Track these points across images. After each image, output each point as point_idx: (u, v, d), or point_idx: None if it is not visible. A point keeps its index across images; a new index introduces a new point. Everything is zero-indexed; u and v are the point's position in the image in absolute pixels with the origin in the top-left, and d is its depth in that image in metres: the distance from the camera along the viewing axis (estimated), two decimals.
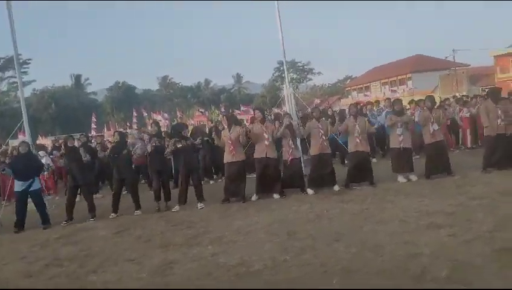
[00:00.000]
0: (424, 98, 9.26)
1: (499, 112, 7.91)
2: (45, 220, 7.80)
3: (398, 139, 8.00)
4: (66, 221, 7.76)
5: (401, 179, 8.00)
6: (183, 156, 7.86)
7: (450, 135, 11.75)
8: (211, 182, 10.81)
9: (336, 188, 7.89)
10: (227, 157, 7.91)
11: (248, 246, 5.20)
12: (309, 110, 8.53)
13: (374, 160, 11.08)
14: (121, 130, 18.79)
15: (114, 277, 4.72)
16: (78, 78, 72.47)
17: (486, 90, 15.26)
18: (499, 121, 7.88)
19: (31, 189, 7.75)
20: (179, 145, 7.82)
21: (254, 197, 7.88)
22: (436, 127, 8.03)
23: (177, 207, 7.84)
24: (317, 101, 33.95)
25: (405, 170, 8.06)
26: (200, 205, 7.82)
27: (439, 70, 41.37)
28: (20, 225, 7.63)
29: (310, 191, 7.87)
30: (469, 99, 13.07)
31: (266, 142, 7.80)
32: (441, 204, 6.03)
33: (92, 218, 7.87)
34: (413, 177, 8.01)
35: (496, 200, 5.98)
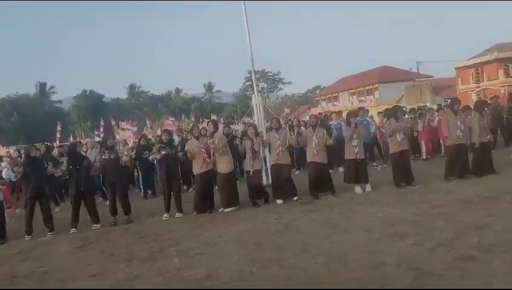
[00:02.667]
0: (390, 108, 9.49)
1: (458, 123, 8.21)
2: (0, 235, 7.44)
3: (353, 150, 8.12)
4: (27, 235, 7.43)
5: (357, 189, 8.10)
6: (165, 163, 7.77)
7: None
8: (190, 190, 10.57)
9: (295, 198, 7.90)
10: (201, 168, 7.81)
11: (215, 258, 5.13)
12: (271, 121, 8.49)
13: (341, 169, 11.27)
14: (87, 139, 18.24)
15: None
16: (43, 86, 70.42)
17: (448, 100, 15.81)
18: (458, 131, 8.17)
19: None
20: (163, 152, 7.69)
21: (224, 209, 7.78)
22: (402, 136, 8.23)
23: (166, 215, 7.73)
24: (287, 110, 34.25)
25: (361, 181, 8.16)
26: (178, 214, 7.72)
27: (404, 81, 42.64)
28: None
29: (278, 201, 7.87)
30: (425, 111, 13.44)
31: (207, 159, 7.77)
32: (404, 213, 6.16)
33: (50, 232, 7.55)
34: (368, 188, 8.11)
35: (456, 208, 6.17)
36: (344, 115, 12.55)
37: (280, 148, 7.94)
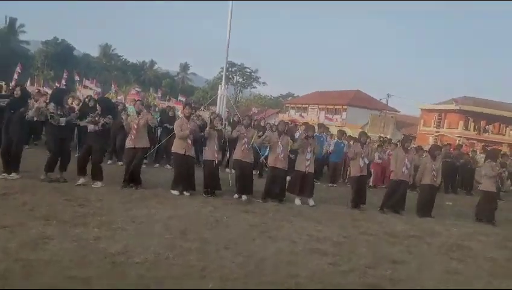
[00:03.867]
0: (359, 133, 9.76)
1: (406, 160, 8.55)
2: None
3: (304, 163, 8.25)
4: None
5: (297, 201, 8.24)
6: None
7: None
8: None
9: (244, 198, 7.96)
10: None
11: (136, 236, 5.04)
12: (237, 115, 8.58)
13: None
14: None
15: None
16: (12, 21, 66.60)
17: (403, 137, 16.43)
18: (404, 168, 8.51)
19: None
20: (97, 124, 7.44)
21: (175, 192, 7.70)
22: (366, 161, 8.50)
23: (82, 180, 7.47)
24: (255, 110, 34.33)
25: (304, 194, 8.28)
26: (96, 183, 7.49)
27: (373, 109, 43.94)
28: None
29: (243, 197, 7.99)
30: (385, 143, 13.94)
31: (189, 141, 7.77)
32: (333, 233, 6.32)
33: None
34: (311, 202, 8.28)
35: (381, 239, 6.40)
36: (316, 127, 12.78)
37: (246, 145, 8.00)
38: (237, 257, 4.73)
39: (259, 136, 8.52)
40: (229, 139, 8.59)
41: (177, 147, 7.81)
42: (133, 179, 7.76)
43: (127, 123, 7.94)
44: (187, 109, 8.21)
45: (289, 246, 5.39)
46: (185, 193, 7.67)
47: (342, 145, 12.07)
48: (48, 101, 7.82)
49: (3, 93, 8.68)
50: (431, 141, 35.98)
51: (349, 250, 5.57)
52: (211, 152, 7.94)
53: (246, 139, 8.02)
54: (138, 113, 7.98)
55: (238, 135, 8.11)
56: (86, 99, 11.06)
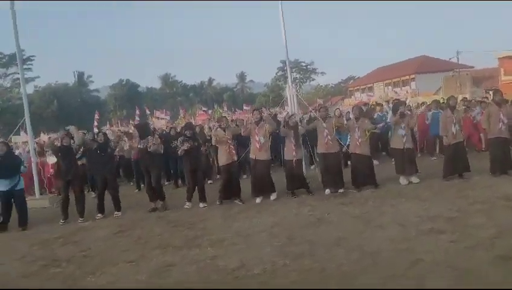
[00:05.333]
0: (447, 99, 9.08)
1: (501, 115, 7.85)
2: (22, 222, 7.75)
3: (401, 140, 7.96)
4: (63, 220, 7.78)
5: (402, 180, 7.97)
6: (189, 155, 7.89)
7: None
8: (209, 182, 10.72)
9: (341, 190, 7.80)
10: (226, 159, 7.93)
11: (248, 249, 5.17)
12: (311, 110, 8.50)
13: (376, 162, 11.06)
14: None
15: (112, 278, 4.70)
16: (81, 75, 72.60)
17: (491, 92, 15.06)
18: (500, 124, 7.82)
19: (16, 188, 7.74)
20: (186, 147, 7.83)
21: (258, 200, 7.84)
22: (458, 127, 7.97)
23: (188, 204, 7.91)
24: (320, 101, 33.81)
25: (406, 172, 8.00)
26: (202, 204, 7.87)
27: (443, 71, 41.15)
28: (3, 225, 7.66)
29: (326, 190, 7.83)
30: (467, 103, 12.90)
31: (257, 144, 7.76)
32: (441, 209, 5.98)
33: (81, 218, 7.85)
34: (415, 179, 7.96)
35: (497, 205, 5.93)
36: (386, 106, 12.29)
37: (328, 137, 7.86)
38: (351, 253, 4.65)
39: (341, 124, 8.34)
40: (308, 136, 8.50)
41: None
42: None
43: (217, 136, 8.03)
44: (256, 114, 8.18)
45: (400, 232, 5.19)
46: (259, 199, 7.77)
47: (439, 115, 11.31)
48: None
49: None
50: None
51: (465, 224, 5.23)
52: (289, 151, 7.95)
53: (326, 131, 7.90)
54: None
55: (317, 126, 8.01)
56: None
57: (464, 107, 11.85)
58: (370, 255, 4.51)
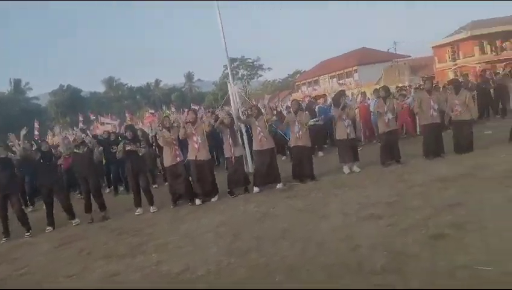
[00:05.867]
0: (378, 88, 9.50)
1: (431, 102, 8.29)
2: None
3: (345, 130, 8.21)
4: (5, 237, 7.33)
5: (345, 169, 8.27)
6: (131, 159, 7.68)
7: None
8: (154, 186, 10.42)
9: (279, 185, 7.90)
10: (172, 160, 7.77)
11: (193, 251, 5.12)
12: (250, 108, 8.58)
13: (321, 154, 11.36)
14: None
15: None
16: (17, 82, 68.57)
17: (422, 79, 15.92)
18: (431, 111, 8.26)
19: None
20: (128, 148, 7.60)
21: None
22: (390, 116, 8.31)
23: (139, 210, 7.72)
24: (267, 97, 34.11)
25: (352, 160, 8.29)
26: (152, 208, 7.72)
27: (383, 62, 42.99)
28: None
29: (255, 189, 7.86)
30: (405, 91, 13.56)
31: (195, 145, 7.67)
32: (382, 194, 6.23)
33: (27, 232, 7.44)
34: (356, 168, 8.26)
35: (432, 187, 6.25)
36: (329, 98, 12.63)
37: (262, 133, 7.89)
38: (296, 245, 4.73)
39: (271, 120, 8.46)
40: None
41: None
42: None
43: (164, 137, 7.83)
44: (191, 114, 8.08)
45: (343, 220, 5.35)
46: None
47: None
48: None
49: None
50: (450, 75, 34.89)
51: (403, 207, 5.48)
52: (227, 149, 7.95)
53: (259, 128, 7.94)
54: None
55: (251, 123, 8.05)
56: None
57: (398, 95, 12.42)
58: (314, 246, 4.61)
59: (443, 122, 8.55)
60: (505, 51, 37.86)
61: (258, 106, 9.17)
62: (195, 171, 7.67)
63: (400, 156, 8.39)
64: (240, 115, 9.15)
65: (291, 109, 8.54)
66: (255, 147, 8.07)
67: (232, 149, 7.82)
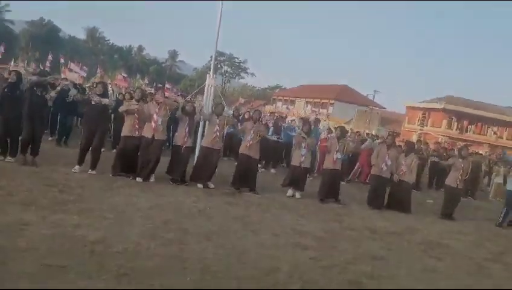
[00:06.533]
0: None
1: (387, 157, 8.61)
2: None
3: (300, 158, 8.32)
4: None
5: (290, 192, 8.39)
6: (90, 115, 7.43)
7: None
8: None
9: (212, 185, 7.94)
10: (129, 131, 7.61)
11: (117, 225, 4.97)
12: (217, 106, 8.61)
13: (273, 171, 11.45)
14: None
15: None
16: None
17: (387, 133, 16.54)
18: (382, 165, 8.57)
19: None
20: (95, 100, 7.32)
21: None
22: (339, 155, 8.48)
23: (77, 167, 7.43)
24: (241, 100, 34.21)
25: (297, 187, 8.38)
26: (90, 171, 7.46)
27: (359, 104, 44.18)
28: None
29: (199, 185, 7.83)
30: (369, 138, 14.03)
31: (153, 124, 7.56)
32: (315, 227, 6.34)
33: None
34: (298, 195, 8.38)
35: (363, 235, 6.44)
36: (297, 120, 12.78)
37: (217, 133, 7.95)
38: (219, 249, 4.70)
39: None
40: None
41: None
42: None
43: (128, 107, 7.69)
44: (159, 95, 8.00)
45: (271, 240, 5.38)
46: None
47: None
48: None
49: None
50: (414, 138, 36.32)
51: (330, 245, 5.59)
52: (180, 137, 7.84)
53: (217, 127, 7.96)
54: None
55: (211, 120, 8.05)
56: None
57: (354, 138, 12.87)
58: (235, 256, 4.60)
59: (391, 177, 8.85)
60: (468, 133, 40.06)
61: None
62: (147, 149, 7.52)
63: (339, 196, 8.56)
64: (209, 109, 9.09)
65: (252, 117, 8.70)
66: (204, 144, 8.10)
67: (186, 138, 7.75)
